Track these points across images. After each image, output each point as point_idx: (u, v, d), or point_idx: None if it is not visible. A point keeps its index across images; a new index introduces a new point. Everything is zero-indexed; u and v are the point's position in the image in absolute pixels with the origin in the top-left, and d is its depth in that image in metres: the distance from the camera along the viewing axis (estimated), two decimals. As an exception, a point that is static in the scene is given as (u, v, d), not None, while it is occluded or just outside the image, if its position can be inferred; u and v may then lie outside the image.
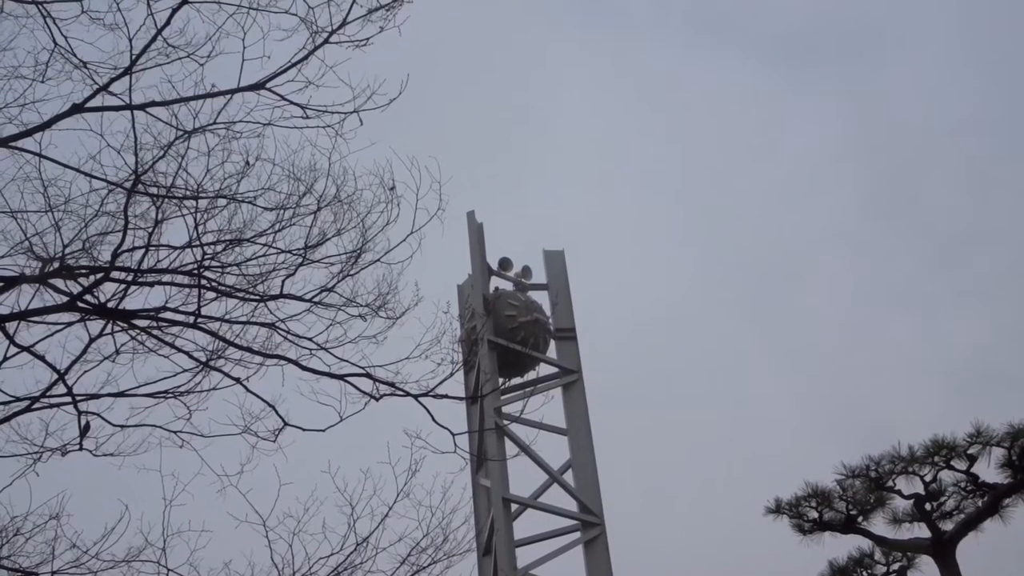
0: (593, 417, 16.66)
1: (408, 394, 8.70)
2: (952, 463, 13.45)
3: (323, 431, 8.69)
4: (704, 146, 42.72)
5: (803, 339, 37.64)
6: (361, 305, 8.67)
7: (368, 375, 8.63)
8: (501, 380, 17.17)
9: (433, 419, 8.70)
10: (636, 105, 43.40)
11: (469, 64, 42.38)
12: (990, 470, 13.39)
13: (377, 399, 8.73)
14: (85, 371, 7.79)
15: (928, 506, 13.55)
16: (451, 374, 8.76)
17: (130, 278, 7.49)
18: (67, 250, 7.91)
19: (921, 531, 13.62)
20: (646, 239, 39.91)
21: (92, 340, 7.75)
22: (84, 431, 7.77)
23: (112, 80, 7.45)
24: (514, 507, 16.04)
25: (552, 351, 17.45)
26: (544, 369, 17.43)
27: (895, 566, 13.70)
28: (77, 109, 7.50)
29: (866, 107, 41.28)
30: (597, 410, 16.63)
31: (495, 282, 17.77)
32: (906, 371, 34.95)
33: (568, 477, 16.34)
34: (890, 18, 42.08)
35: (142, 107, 7.47)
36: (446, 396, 8.77)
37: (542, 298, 17.71)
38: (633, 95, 42.91)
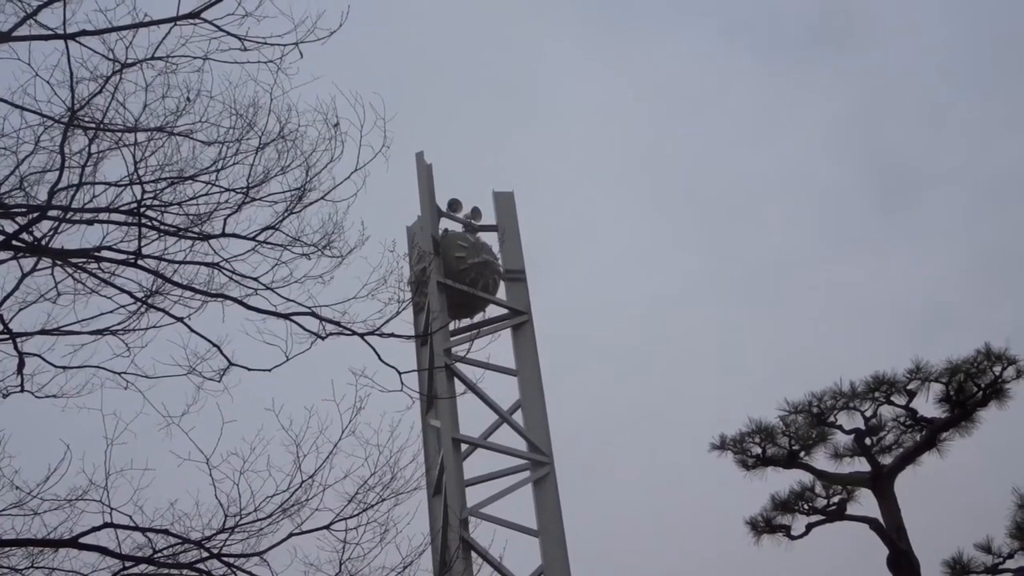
0: (545, 357, 16.81)
1: (354, 333, 8.70)
2: (892, 398, 13.70)
3: (269, 371, 8.70)
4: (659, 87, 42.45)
5: (756, 277, 38.11)
6: (307, 244, 8.63)
7: (314, 314, 8.61)
8: (452, 323, 17.20)
9: (379, 357, 8.73)
10: (615, 80, 43.00)
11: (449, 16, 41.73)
12: (928, 405, 13.69)
13: (323, 338, 8.72)
14: (21, 309, 7.70)
15: (868, 441, 13.82)
16: (397, 312, 8.77)
17: (63, 216, 7.34)
18: (2, 187, 7.75)
19: (861, 465, 13.90)
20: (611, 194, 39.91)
21: (25, 275, 7.65)
22: (20, 367, 7.69)
23: (41, 7, 7.24)
24: (464, 447, 16.17)
25: (502, 292, 17.49)
26: (494, 311, 17.49)
27: (835, 499, 13.99)
28: (4, 38, 7.28)
29: (840, 56, 41.28)
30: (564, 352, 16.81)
31: (445, 223, 17.71)
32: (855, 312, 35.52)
33: (518, 417, 16.49)
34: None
35: (73, 36, 7.26)
36: (392, 335, 8.79)
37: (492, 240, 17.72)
38: (617, 70, 42.54)
